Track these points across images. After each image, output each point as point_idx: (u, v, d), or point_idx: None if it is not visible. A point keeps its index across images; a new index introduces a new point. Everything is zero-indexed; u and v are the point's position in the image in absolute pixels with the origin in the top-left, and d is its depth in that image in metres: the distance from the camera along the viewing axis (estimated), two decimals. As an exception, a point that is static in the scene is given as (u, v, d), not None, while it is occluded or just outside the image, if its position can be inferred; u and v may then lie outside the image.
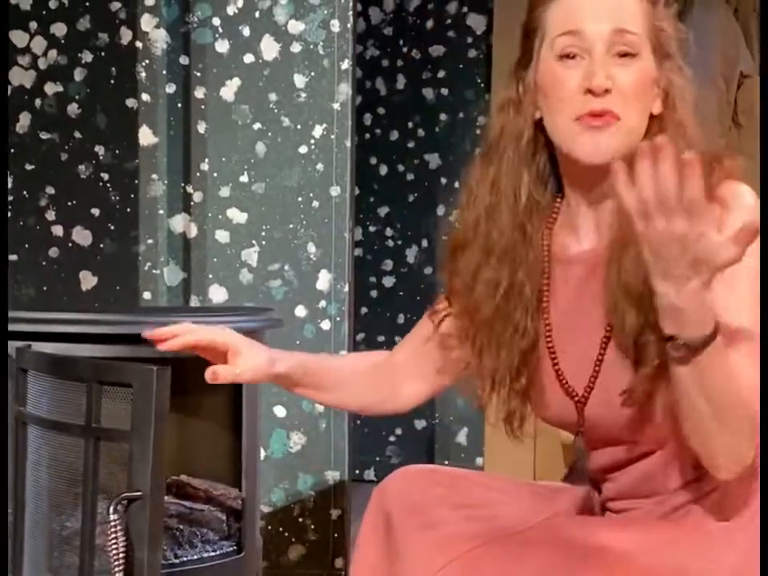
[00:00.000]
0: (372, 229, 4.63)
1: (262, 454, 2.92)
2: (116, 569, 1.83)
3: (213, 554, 2.27)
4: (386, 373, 1.89)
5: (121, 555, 1.82)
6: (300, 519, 3.04)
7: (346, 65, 2.98)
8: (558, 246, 1.71)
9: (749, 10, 3.96)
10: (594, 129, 1.61)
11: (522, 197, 1.68)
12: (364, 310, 4.58)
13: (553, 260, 1.71)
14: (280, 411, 3.02)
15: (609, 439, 1.69)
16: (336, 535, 3.03)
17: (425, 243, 4.61)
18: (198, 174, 3.03)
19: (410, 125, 4.57)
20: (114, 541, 1.82)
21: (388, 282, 4.65)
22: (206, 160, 3.03)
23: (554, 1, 1.66)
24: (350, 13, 2.98)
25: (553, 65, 1.64)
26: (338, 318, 3.01)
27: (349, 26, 2.97)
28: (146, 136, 3.03)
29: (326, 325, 3.01)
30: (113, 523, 1.81)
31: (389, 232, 4.63)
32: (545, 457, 3.81)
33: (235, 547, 2.36)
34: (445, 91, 4.53)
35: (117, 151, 3.03)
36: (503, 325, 1.68)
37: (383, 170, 4.61)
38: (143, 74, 3.02)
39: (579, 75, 1.62)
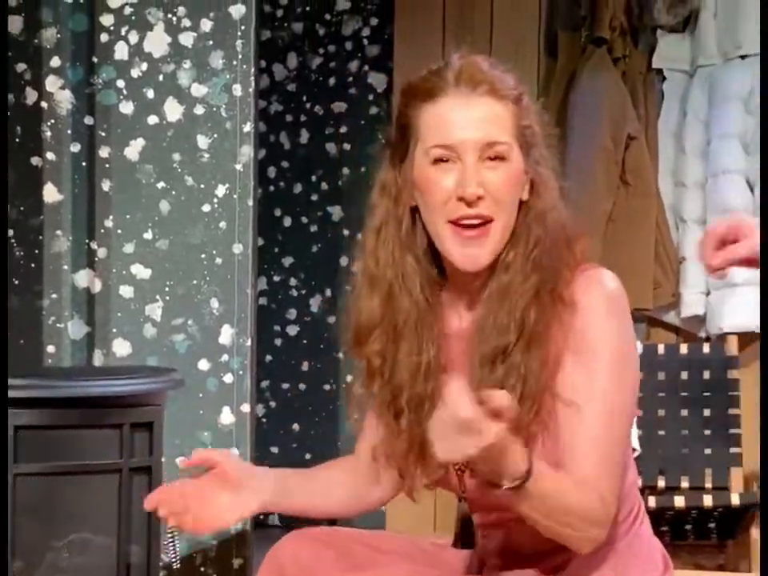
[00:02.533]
0: (276, 279, 4.71)
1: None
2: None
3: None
4: (357, 480, 1.92)
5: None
6: (202, 569, 3.08)
7: (248, 127, 3.07)
8: (445, 322, 1.80)
9: (636, 72, 4.13)
10: (467, 239, 1.71)
11: (414, 278, 1.76)
12: (268, 357, 4.65)
13: (441, 334, 1.79)
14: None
15: (488, 504, 1.78)
16: (237, 585, 3.09)
17: (328, 293, 4.71)
18: (102, 231, 3.09)
19: (314, 178, 4.67)
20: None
21: (292, 330, 4.72)
22: (111, 217, 3.09)
23: (427, 104, 1.73)
24: (252, 78, 3.07)
25: (428, 169, 1.73)
26: (241, 372, 3.08)
27: (250, 89, 3.07)
28: (50, 193, 3.09)
29: (228, 378, 3.08)
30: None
31: (293, 282, 4.71)
32: (445, 505, 3.89)
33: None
34: (347, 146, 4.64)
35: (21, 208, 3.09)
36: (423, 399, 1.76)
37: (287, 221, 4.70)
38: (48, 133, 3.08)
39: (452, 180, 1.71)
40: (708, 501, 3.24)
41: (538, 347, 1.70)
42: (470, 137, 1.71)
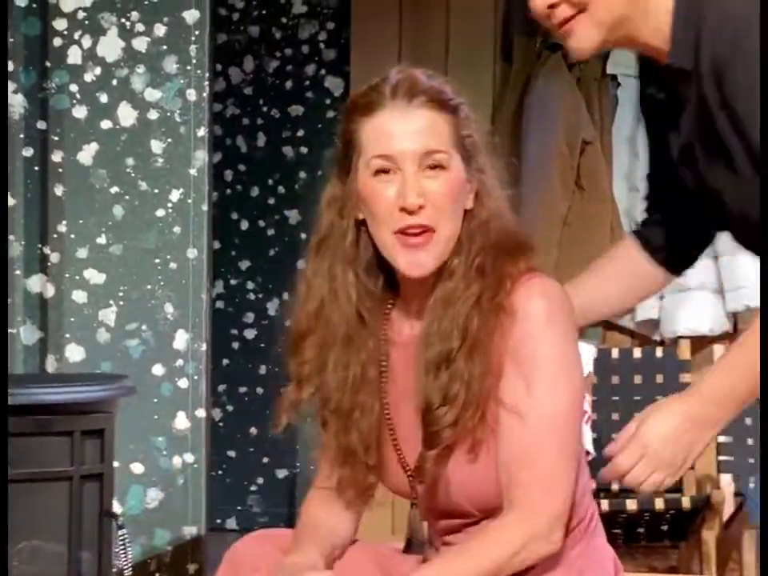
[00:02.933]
0: (233, 282, 4.71)
1: (119, 509, 2.96)
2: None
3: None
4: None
5: None
6: (157, 574, 3.08)
7: (202, 131, 3.07)
8: (395, 330, 1.83)
9: (590, 78, 4.16)
10: (412, 246, 1.74)
11: (351, 291, 1.79)
12: (225, 361, 4.65)
13: (390, 343, 1.83)
14: (137, 468, 3.07)
15: (438, 509, 1.81)
16: (192, 590, 3.09)
17: (285, 296, 4.68)
18: (55, 236, 3.08)
19: (270, 182, 4.67)
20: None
21: (249, 333, 4.72)
22: (64, 222, 3.08)
23: (367, 118, 1.77)
24: (206, 82, 3.07)
25: (370, 181, 1.76)
26: (196, 377, 3.08)
27: (205, 94, 3.07)
28: (3, 198, 3.07)
29: (183, 383, 3.08)
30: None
31: (250, 285, 4.71)
32: (403, 509, 3.90)
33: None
34: (304, 150, 4.64)
35: (-26, 212, 3.07)
36: (352, 407, 1.79)
37: (244, 225, 4.70)
38: (1, 138, 3.07)
39: (394, 190, 1.75)
40: (660, 504, 3.27)
41: (480, 354, 1.72)
42: (408, 147, 1.74)
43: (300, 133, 4.64)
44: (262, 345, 4.70)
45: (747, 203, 1.74)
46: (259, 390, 4.71)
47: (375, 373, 1.80)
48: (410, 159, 1.74)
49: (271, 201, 4.67)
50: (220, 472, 4.53)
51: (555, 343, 1.72)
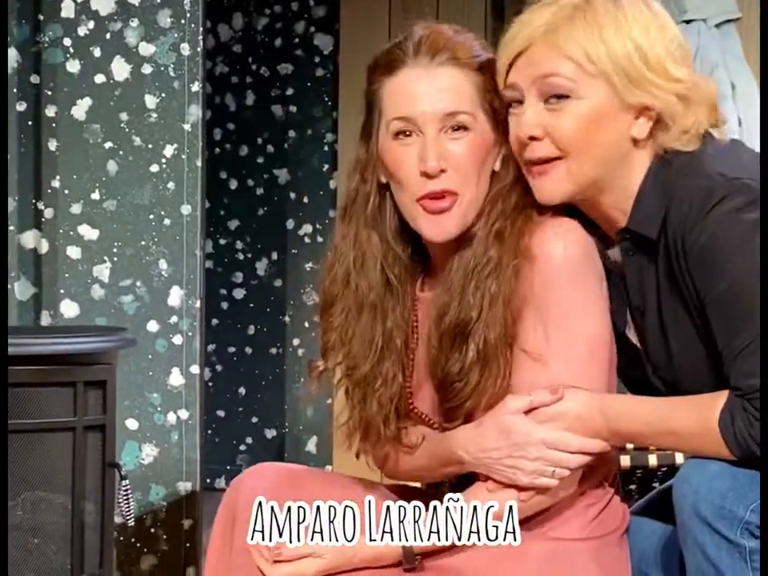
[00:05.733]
0: (222, 242, 4.70)
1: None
2: None
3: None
4: None
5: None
6: (152, 530, 3.09)
7: (196, 87, 3.05)
8: (426, 293, 1.82)
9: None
10: (434, 211, 1.71)
11: (377, 256, 1.77)
12: (215, 321, 4.65)
13: (422, 306, 1.81)
14: (132, 424, 3.07)
15: None
16: (188, 545, 3.09)
17: (274, 256, 4.70)
18: (49, 191, 3.07)
19: (260, 140, 4.65)
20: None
21: (238, 293, 4.72)
22: (57, 177, 3.06)
23: (388, 78, 1.73)
24: (200, 37, 3.05)
25: (390, 144, 1.73)
26: (190, 333, 3.08)
27: (199, 49, 3.05)
28: (-4, 153, 3.05)
29: (177, 340, 3.08)
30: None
31: (239, 245, 4.70)
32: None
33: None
34: (293, 108, 4.63)
35: (-34, 168, 3.05)
36: (376, 377, 1.78)
37: (233, 184, 4.69)
38: (-7, 92, 3.04)
39: (415, 154, 1.71)
40: (680, 458, 3.25)
41: (499, 319, 1.70)
42: (428, 108, 1.70)
43: (289, 91, 4.63)
44: (251, 305, 4.70)
45: (684, 371, 1.73)
46: (248, 350, 4.72)
47: (401, 341, 1.78)
48: (430, 121, 1.70)
49: (260, 160, 4.66)
50: (209, 432, 4.53)
51: (572, 287, 1.70)
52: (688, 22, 4.06)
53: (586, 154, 1.70)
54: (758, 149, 4.12)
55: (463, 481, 1.80)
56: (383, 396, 1.78)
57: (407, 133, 1.72)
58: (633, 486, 3.28)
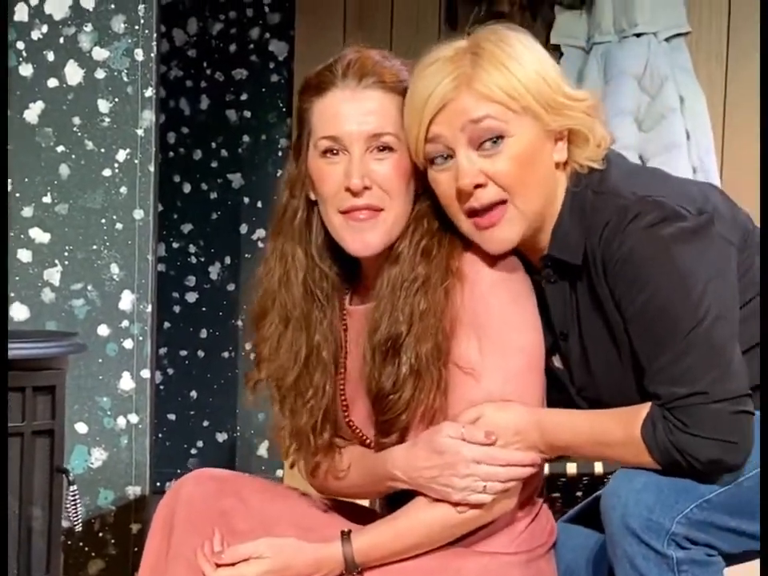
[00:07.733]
0: (175, 245, 4.70)
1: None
2: None
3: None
4: None
5: None
6: (100, 534, 3.09)
7: (149, 92, 3.06)
8: (357, 306, 1.85)
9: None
10: (358, 224, 1.75)
11: (300, 272, 1.81)
12: (167, 324, 4.64)
13: (352, 319, 1.84)
14: (81, 428, 3.07)
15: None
16: (136, 549, 3.10)
17: (227, 260, 4.71)
18: (0, 194, 3.06)
19: (214, 145, 4.66)
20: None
21: (191, 297, 4.72)
22: (9, 180, 3.06)
23: (317, 98, 1.78)
24: (154, 43, 3.06)
25: (318, 161, 1.78)
26: (141, 338, 3.08)
27: (152, 54, 3.06)
28: (-53, 155, 3.04)
29: (128, 344, 3.08)
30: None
31: (192, 249, 4.70)
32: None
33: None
34: (248, 113, 4.64)
35: None
36: (305, 388, 1.81)
37: (187, 188, 4.69)
38: (-55, 95, 3.03)
39: (341, 171, 1.76)
40: (599, 467, 3.32)
41: (430, 334, 1.73)
42: (355, 128, 1.75)
43: (243, 96, 4.64)
44: (204, 308, 4.71)
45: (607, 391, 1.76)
46: (200, 354, 4.72)
47: (330, 354, 1.82)
48: (356, 141, 1.75)
49: (214, 164, 4.67)
50: (160, 435, 4.53)
51: (506, 303, 1.74)
52: (638, 35, 4.12)
53: (529, 188, 1.73)
54: (707, 164, 4.20)
55: (395, 501, 1.84)
56: (314, 407, 1.81)
57: (334, 151, 1.77)
58: (557, 494, 3.33)
